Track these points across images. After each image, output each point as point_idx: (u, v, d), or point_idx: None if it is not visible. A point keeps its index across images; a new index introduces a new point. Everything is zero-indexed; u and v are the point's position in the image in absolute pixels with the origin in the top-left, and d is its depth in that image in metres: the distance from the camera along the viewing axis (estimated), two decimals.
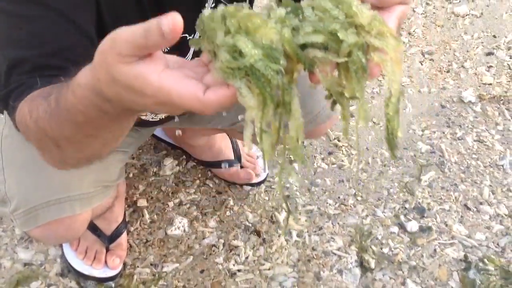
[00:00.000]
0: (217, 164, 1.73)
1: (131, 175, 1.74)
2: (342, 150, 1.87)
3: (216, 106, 0.53)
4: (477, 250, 1.62)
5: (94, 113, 0.62)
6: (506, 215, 1.71)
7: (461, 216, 1.71)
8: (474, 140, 1.94)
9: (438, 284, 1.54)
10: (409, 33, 2.33)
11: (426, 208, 1.72)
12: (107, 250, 1.51)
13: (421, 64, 2.21)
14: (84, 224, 1.25)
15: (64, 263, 1.51)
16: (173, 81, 0.53)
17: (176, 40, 0.50)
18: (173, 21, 0.48)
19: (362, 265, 1.57)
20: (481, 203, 1.74)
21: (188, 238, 1.60)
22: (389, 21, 0.58)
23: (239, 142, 1.76)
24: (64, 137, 0.70)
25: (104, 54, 0.54)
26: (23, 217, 1.15)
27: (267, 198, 1.72)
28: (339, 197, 1.74)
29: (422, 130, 1.96)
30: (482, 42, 2.31)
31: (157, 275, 1.51)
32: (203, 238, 1.60)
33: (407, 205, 1.73)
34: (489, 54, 2.26)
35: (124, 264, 1.52)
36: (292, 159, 0.58)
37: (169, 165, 1.76)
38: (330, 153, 1.86)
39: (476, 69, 2.20)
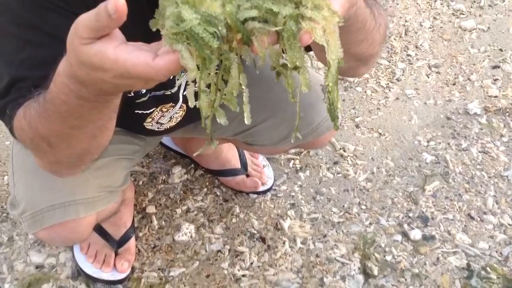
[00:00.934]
0: (224, 172, 1.77)
1: (140, 182, 1.79)
2: (347, 160, 1.90)
3: (165, 71, 0.60)
4: (480, 258, 1.63)
5: (74, 101, 0.70)
6: (510, 224, 1.73)
7: (465, 226, 1.73)
8: (479, 151, 1.95)
9: None
10: (416, 47, 2.37)
11: (429, 217, 1.74)
12: (116, 254, 1.56)
13: (428, 77, 2.24)
14: (89, 227, 1.29)
15: (74, 266, 1.56)
16: (127, 53, 0.60)
17: (123, 19, 0.57)
18: (115, 3, 0.56)
19: (365, 272, 1.59)
20: (485, 213, 1.76)
21: (195, 244, 1.64)
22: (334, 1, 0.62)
23: (246, 152, 1.81)
24: (53, 132, 0.77)
25: (70, 39, 0.63)
26: (30, 219, 1.20)
27: (272, 206, 1.75)
28: (343, 206, 1.77)
29: (428, 141, 1.99)
30: (489, 56, 2.34)
31: (164, 279, 1.55)
32: (210, 244, 1.64)
33: (410, 214, 1.75)
34: (495, 67, 2.28)
35: (133, 268, 1.57)
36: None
37: (178, 173, 1.81)
38: (335, 163, 1.90)
39: (482, 82, 2.22)
